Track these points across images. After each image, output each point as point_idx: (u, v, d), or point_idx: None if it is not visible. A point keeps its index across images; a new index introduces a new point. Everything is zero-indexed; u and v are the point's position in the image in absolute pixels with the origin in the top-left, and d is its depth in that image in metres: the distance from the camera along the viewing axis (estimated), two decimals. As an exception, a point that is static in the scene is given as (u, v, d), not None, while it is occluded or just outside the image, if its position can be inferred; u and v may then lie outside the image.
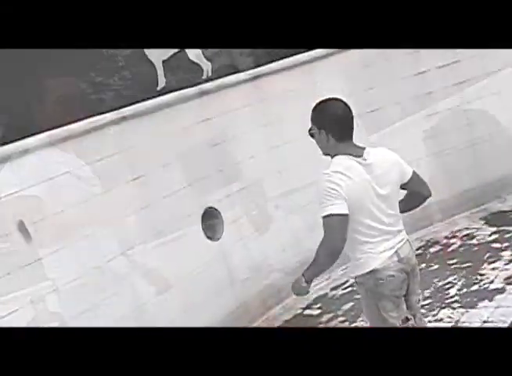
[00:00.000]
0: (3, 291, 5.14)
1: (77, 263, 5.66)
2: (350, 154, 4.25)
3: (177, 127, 6.79)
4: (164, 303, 6.29)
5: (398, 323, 4.33)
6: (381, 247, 4.29)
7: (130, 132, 6.30)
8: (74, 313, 5.57)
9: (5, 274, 5.19)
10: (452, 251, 7.76)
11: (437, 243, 8.11)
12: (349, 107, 4.32)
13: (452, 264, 7.40)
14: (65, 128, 5.80)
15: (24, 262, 5.32)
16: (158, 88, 9.02)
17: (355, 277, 4.42)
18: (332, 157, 4.32)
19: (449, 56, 8.54)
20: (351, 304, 7.06)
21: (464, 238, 8.00)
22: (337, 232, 4.12)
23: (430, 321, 6.21)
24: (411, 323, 4.40)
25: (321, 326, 6.80)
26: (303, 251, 7.54)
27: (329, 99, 4.39)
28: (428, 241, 8.21)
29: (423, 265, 7.56)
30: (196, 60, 8.52)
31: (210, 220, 6.94)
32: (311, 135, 4.43)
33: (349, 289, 7.44)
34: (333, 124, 4.27)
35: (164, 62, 8.46)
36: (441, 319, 6.24)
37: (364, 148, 4.32)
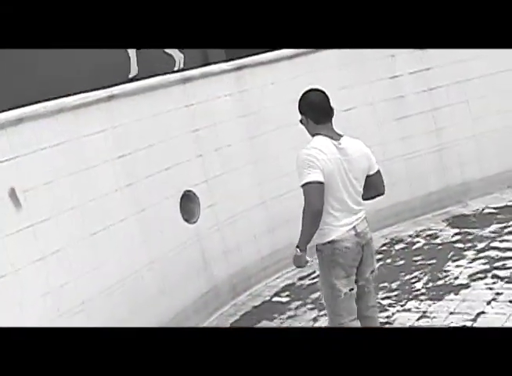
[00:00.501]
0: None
1: (64, 234, 5.74)
2: (327, 136, 4.91)
3: (160, 110, 6.92)
4: (140, 281, 6.41)
5: (344, 291, 4.89)
6: (342, 221, 4.88)
7: (117, 111, 6.42)
8: (58, 284, 5.64)
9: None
10: (417, 249, 8.02)
11: (401, 241, 8.37)
12: (327, 96, 5.01)
13: (417, 261, 7.65)
14: (59, 100, 5.90)
15: (13, 229, 5.38)
16: (130, 76, 9.12)
17: (316, 245, 4.95)
18: (312, 137, 4.98)
19: (422, 62, 8.82)
20: (319, 293, 7.24)
21: (428, 238, 8.26)
22: (315, 196, 4.73)
23: (398, 311, 6.48)
24: (354, 292, 4.97)
25: (290, 313, 6.98)
26: (274, 240, 7.77)
27: (310, 90, 5.11)
28: (393, 239, 8.47)
29: (389, 260, 7.84)
30: (169, 51, 8.68)
31: (188, 203, 7.08)
32: (301, 122, 5.09)
33: (316, 279, 7.62)
34: (310, 109, 4.97)
35: (137, 51, 8.60)
36: (409, 310, 6.48)
37: (342, 135, 5.00)
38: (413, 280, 7.13)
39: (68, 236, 5.79)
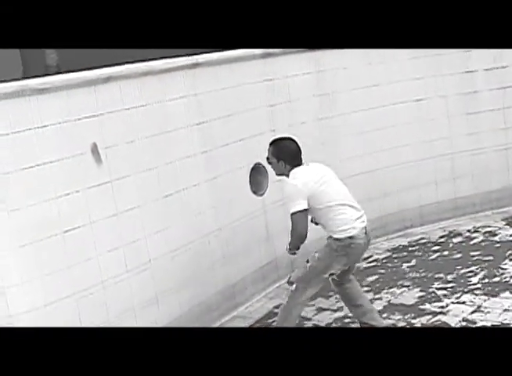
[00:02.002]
0: (68, 209, 5.37)
1: (139, 193, 5.91)
2: (302, 165, 5.80)
3: (240, 82, 7.04)
4: (206, 246, 6.59)
5: (328, 273, 5.81)
6: (357, 221, 5.69)
7: (200, 79, 6.55)
8: (128, 240, 5.83)
9: (73, 191, 5.42)
10: (474, 244, 8.08)
11: (459, 235, 8.42)
12: (298, 144, 5.86)
13: (474, 256, 7.70)
14: (146, 63, 6.04)
15: (92, 183, 5.56)
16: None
17: (333, 236, 5.69)
18: (287, 173, 5.79)
19: (498, 60, 8.81)
20: (376, 277, 7.39)
21: (486, 234, 8.31)
22: (300, 224, 5.65)
23: (453, 303, 6.57)
24: (332, 277, 5.95)
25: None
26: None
27: (284, 138, 5.97)
28: (451, 232, 8.53)
29: (446, 252, 7.91)
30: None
31: (257, 176, 7.20)
32: (270, 163, 5.94)
33: (373, 263, 7.77)
34: (289, 157, 5.80)
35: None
36: (463, 302, 6.57)
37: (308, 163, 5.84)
38: (469, 274, 7.20)
39: (143, 195, 5.95)
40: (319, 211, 5.69)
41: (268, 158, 5.92)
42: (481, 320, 6.13)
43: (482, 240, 8.14)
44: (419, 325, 6.20)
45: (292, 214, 5.64)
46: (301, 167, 5.76)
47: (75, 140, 5.43)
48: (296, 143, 5.86)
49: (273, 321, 6.45)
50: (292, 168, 5.76)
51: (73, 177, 5.42)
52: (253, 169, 7.14)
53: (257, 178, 7.21)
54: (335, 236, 5.67)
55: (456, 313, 6.36)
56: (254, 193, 7.22)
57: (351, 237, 5.64)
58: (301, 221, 5.64)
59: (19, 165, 5.06)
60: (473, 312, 6.33)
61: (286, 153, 5.79)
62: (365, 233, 5.75)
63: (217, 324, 6.68)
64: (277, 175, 5.97)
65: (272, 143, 5.91)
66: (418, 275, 7.37)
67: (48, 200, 5.23)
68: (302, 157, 5.82)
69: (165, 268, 6.14)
